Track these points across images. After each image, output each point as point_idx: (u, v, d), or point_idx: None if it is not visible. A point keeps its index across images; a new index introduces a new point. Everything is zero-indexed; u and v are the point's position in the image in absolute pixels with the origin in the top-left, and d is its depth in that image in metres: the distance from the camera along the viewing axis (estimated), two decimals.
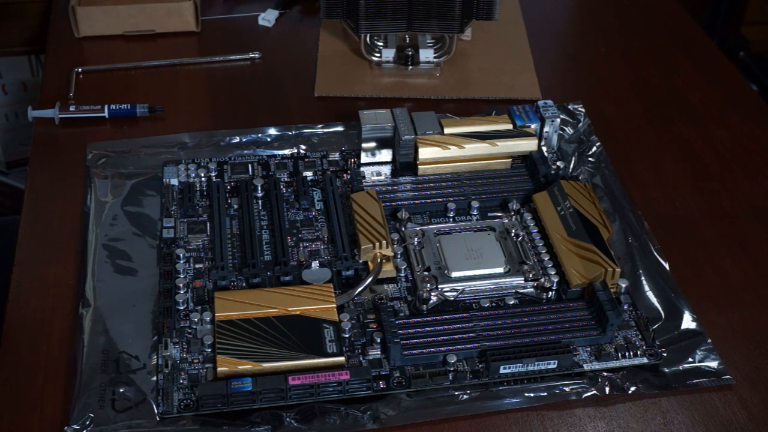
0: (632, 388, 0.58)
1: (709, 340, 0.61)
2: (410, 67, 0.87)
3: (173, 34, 0.91)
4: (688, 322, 0.63)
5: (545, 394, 0.58)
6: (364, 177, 0.73)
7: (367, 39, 0.87)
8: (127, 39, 0.90)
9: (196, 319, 0.61)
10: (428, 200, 0.70)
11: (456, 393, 0.58)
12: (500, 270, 0.65)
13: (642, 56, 0.91)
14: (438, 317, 0.61)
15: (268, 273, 0.64)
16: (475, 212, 0.70)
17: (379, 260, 0.64)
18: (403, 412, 0.57)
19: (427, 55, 0.87)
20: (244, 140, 0.77)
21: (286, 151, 0.76)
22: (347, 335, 0.60)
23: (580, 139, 0.79)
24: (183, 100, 0.83)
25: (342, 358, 0.58)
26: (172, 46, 0.90)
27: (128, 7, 0.89)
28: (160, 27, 0.91)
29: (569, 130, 0.79)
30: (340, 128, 0.79)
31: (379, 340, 0.59)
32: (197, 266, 0.65)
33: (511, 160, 0.73)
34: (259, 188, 0.71)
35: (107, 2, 0.89)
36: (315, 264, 0.65)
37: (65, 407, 0.56)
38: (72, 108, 0.79)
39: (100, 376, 0.58)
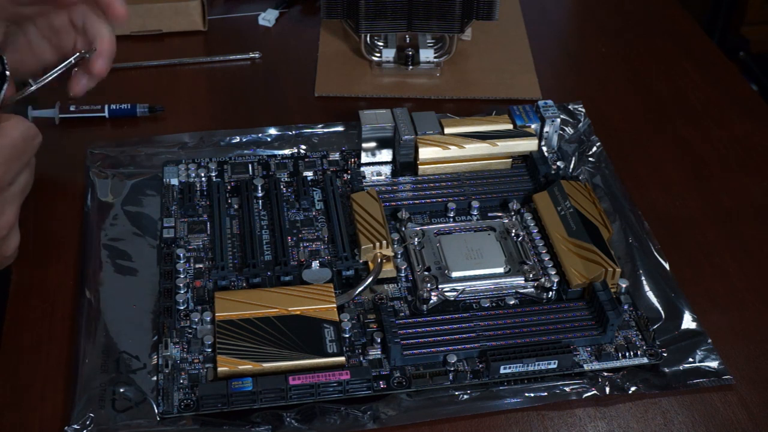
0: (632, 388, 0.59)
1: (709, 340, 0.61)
2: (410, 67, 0.87)
3: (173, 34, 0.91)
4: (688, 322, 0.63)
5: (545, 394, 0.58)
6: (364, 177, 0.73)
7: (367, 39, 0.87)
8: (129, 39, 0.90)
9: (196, 319, 0.61)
10: (428, 200, 0.70)
11: (456, 393, 0.58)
12: (500, 270, 0.65)
13: (642, 56, 0.91)
14: (438, 317, 0.61)
15: (269, 273, 0.64)
16: (475, 212, 0.70)
17: (379, 260, 0.64)
18: (404, 412, 0.57)
19: (427, 55, 0.87)
20: (244, 140, 0.77)
21: (286, 151, 0.76)
22: (347, 335, 0.60)
23: (580, 139, 0.79)
24: (183, 100, 0.83)
25: (342, 358, 0.58)
26: (173, 45, 0.90)
27: (136, 7, 0.89)
28: (168, 27, 0.91)
29: (569, 130, 0.79)
30: (340, 128, 0.79)
31: (379, 340, 0.59)
32: (197, 266, 0.65)
33: (511, 160, 0.73)
34: (259, 188, 0.71)
35: None
36: (315, 264, 0.65)
37: (65, 407, 0.56)
38: (72, 108, 0.79)
39: (100, 376, 0.58)
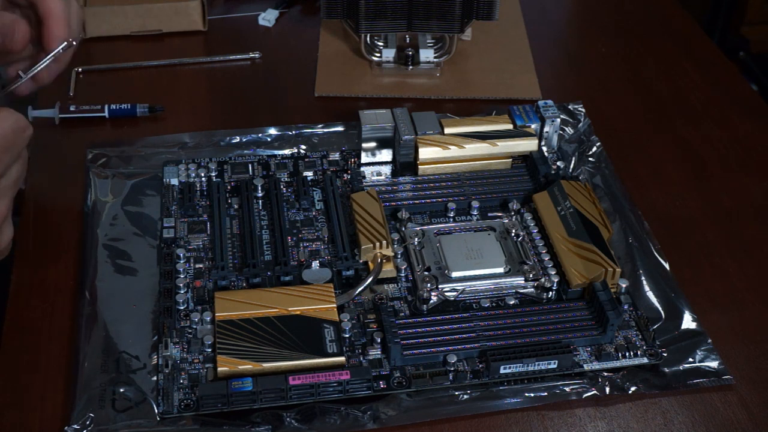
0: (632, 388, 0.59)
1: (709, 340, 0.61)
2: (410, 67, 0.87)
3: (173, 34, 0.91)
4: (688, 322, 0.63)
5: (545, 394, 0.58)
6: (364, 177, 0.73)
7: (367, 39, 0.87)
8: (129, 39, 0.90)
9: (196, 319, 0.61)
10: (428, 200, 0.70)
11: (456, 393, 0.58)
12: (500, 270, 0.65)
13: (642, 56, 0.91)
14: (438, 317, 0.61)
15: (269, 273, 0.64)
16: (475, 212, 0.70)
17: (379, 260, 0.64)
18: (404, 412, 0.57)
19: (427, 55, 0.87)
20: (244, 140, 0.77)
21: (286, 151, 0.76)
22: (347, 335, 0.60)
23: (580, 139, 0.79)
24: (183, 100, 0.83)
25: (342, 358, 0.58)
26: (173, 45, 0.90)
27: (136, 7, 0.89)
28: (167, 27, 0.91)
29: (569, 130, 0.79)
30: (340, 128, 0.79)
31: (379, 340, 0.59)
32: (197, 266, 0.65)
33: (511, 160, 0.73)
34: (259, 188, 0.71)
35: (115, 2, 0.89)
36: (315, 264, 0.65)
37: (65, 407, 0.56)
38: (72, 108, 0.79)
39: (100, 376, 0.58)
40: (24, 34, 0.62)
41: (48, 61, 0.64)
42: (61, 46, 0.63)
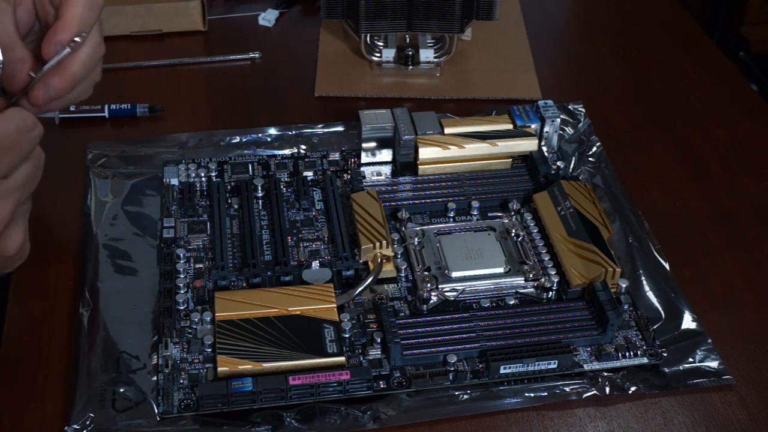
0: (632, 388, 0.59)
1: (709, 340, 0.61)
2: (410, 67, 0.87)
3: (173, 34, 0.91)
4: (688, 322, 0.63)
5: (545, 394, 0.58)
6: (364, 177, 0.73)
7: (367, 39, 0.87)
8: (129, 39, 0.90)
9: (196, 319, 0.61)
10: (428, 200, 0.70)
11: (456, 393, 0.58)
12: (500, 270, 0.65)
13: (642, 56, 0.91)
14: (438, 317, 0.61)
15: (269, 273, 0.64)
16: (475, 212, 0.70)
17: (379, 260, 0.64)
18: (404, 412, 0.57)
19: (427, 55, 0.87)
20: (244, 140, 0.77)
21: (286, 151, 0.76)
22: (347, 335, 0.60)
23: (580, 139, 0.79)
24: (183, 100, 0.83)
25: (342, 358, 0.58)
26: (173, 45, 0.90)
27: (136, 7, 0.89)
28: (167, 27, 0.91)
29: (569, 130, 0.79)
30: (340, 128, 0.79)
31: (379, 340, 0.59)
32: (197, 266, 0.65)
33: (511, 160, 0.73)
34: (259, 188, 0.71)
35: (115, 2, 0.89)
36: (315, 264, 0.65)
37: (65, 407, 0.56)
38: (72, 108, 0.79)
39: (100, 376, 0.58)
40: (25, 79, 0.57)
41: (60, 58, 0.57)
42: (68, 44, 0.58)
